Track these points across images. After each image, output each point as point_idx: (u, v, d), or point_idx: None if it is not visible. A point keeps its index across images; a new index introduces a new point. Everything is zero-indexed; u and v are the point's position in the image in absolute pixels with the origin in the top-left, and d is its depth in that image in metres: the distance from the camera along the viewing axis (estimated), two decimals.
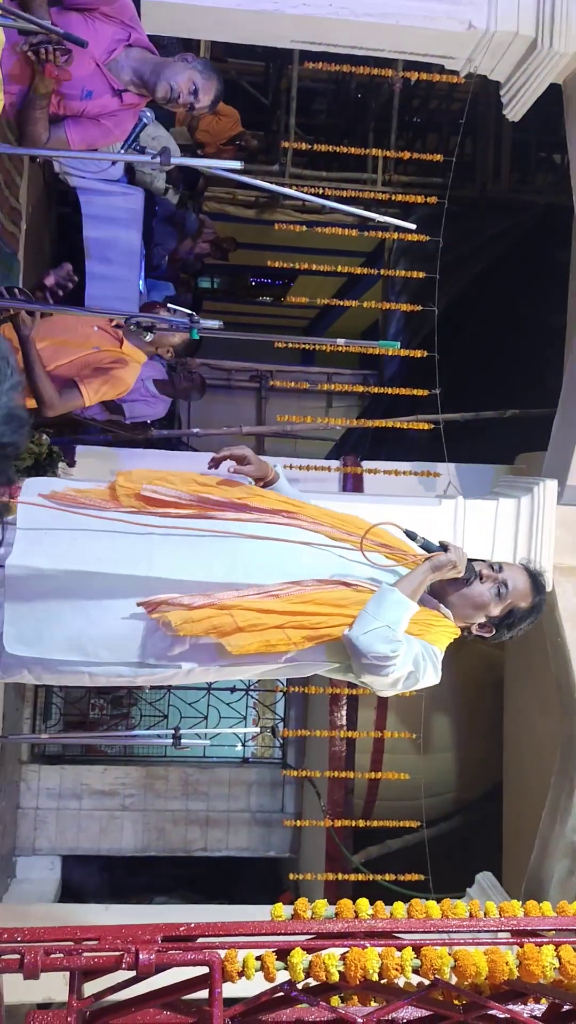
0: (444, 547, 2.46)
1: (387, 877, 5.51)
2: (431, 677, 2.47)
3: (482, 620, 2.58)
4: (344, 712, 6.02)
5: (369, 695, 5.95)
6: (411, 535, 2.54)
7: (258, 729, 7.35)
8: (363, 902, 2.33)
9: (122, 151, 3.30)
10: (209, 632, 2.29)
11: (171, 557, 2.39)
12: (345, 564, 2.46)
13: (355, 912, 2.32)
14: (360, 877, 5.76)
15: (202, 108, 3.27)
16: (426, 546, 2.49)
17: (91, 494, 2.48)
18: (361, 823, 6.00)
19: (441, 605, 2.57)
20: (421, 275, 5.67)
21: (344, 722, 6.04)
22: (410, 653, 2.38)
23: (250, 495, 2.56)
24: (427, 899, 2.44)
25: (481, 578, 2.54)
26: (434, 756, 6.47)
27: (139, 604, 2.29)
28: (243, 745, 7.62)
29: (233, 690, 7.49)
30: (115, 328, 3.47)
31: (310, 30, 4.71)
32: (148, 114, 3.20)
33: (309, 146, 6.18)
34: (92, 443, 5.51)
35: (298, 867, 6.79)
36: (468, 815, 7.13)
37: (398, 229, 3.89)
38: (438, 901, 2.39)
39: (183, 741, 4.41)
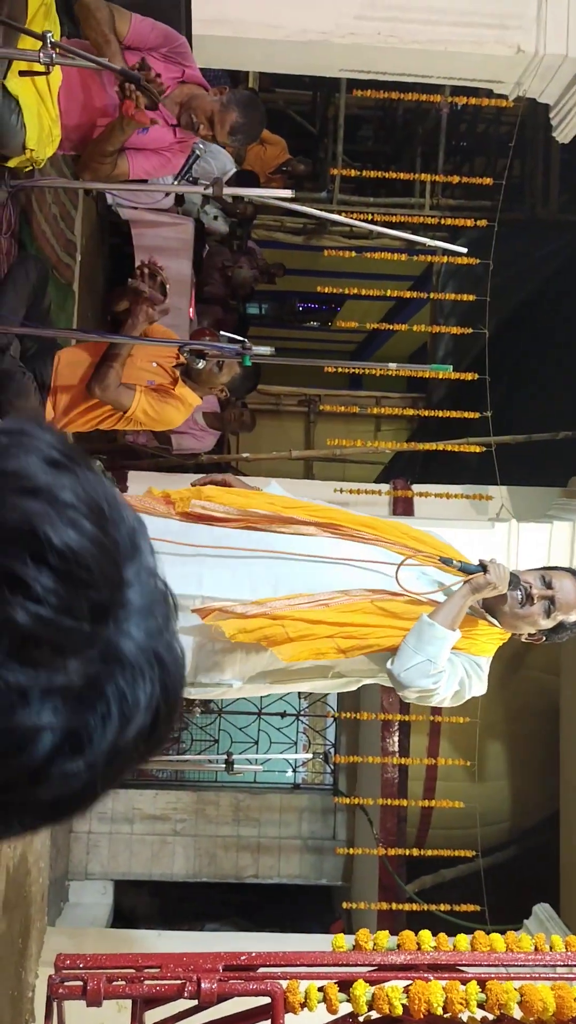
0: (484, 567, 2.42)
1: (442, 907, 5.41)
2: (478, 688, 2.48)
3: (531, 631, 2.54)
4: (396, 738, 5.96)
5: (422, 721, 5.89)
6: (446, 561, 2.52)
7: (311, 755, 7.30)
8: (426, 934, 2.30)
9: (175, 182, 3.37)
10: (260, 641, 2.32)
11: (220, 576, 2.44)
12: (386, 579, 2.46)
13: (418, 944, 2.29)
14: (414, 907, 5.67)
15: (223, 137, 3.32)
16: (465, 569, 2.46)
17: (149, 499, 2.58)
18: (415, 852, 5.92)
19: (487, 616, 2.54)
20: (471, 298, 5.66)
21: (396, 748, 5.98)
22: (454, 676, 2.39)
23: (299, 508, 2.59)
24: (485, 930, 2.39)
25: (531, 599, 2.48)
26: (488, 784, 6.36)
27: (194, 611, 2.34)
28: (294, 771, 7.57)
29: (283, 715, 7.45)
30: (172, 368, 3.50)
31: (359, 59, 4.76)
32: (201, 146, 3.26)
33: (358, 173, 6.22)
34: (143, 468, 5.59)
35: (351, 896, 6.71)
36: (524, 844, 6.99)
37: (447, 252, 3.90)
38: (493, 933, 2.35)
39: (235, 766, 4.41)
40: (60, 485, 0.61)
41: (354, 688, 2.70)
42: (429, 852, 5.86)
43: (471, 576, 2.41)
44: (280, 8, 4.51)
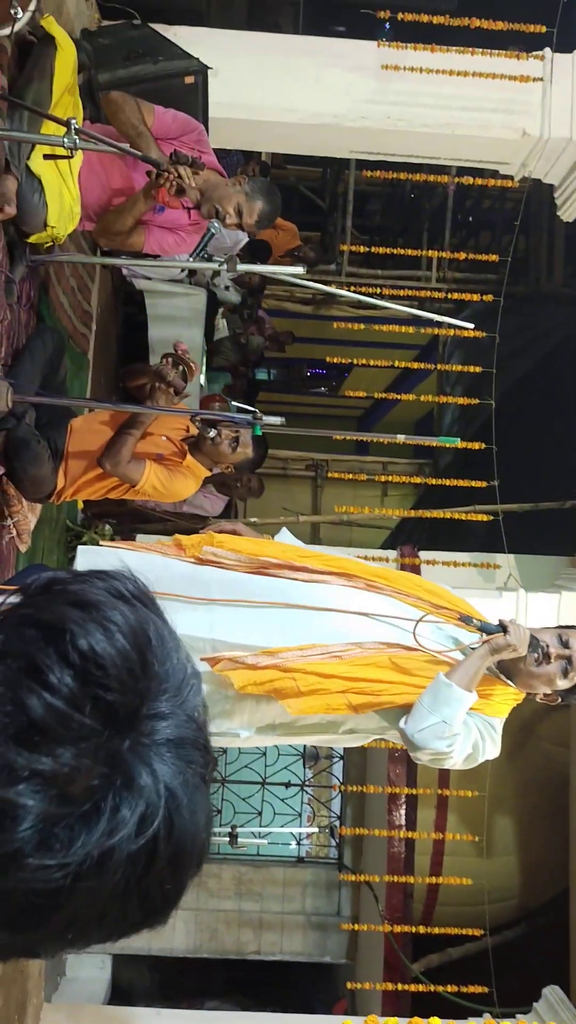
0: (504, 627, 2.38)
1: (449, 988, 5.25)
2: (491, 751, 2.42)
3: (547, 691, 2.50)
4: (403, 811, 5.85)
5: (429, 794, 5.79)
6: (466, 620, 2.48)
7: (316, 829, 7.16)
8: (435, 1022, 2.23)
9: (191, 258, 3.46)
10: (270, 694, 2.28)
11: (232, 622, 2.41)
12: (401, 633, 2.43)
13: None
14: (420, 988, 5.50)
15: (249, 227, 3.44)
16: (484, 628, 2.41)
17: (160, 544, 2.58)
18: (421, 929, 5.76)
19: (502, 676, 2.50)
20: (478, 369, 5.74)
21: (403, 822, 5.87)
22: (468, 739, 2.33)
23: (312, 557, 2.58)
24: (494, 1015, 2.32)
25: (548, 658, 2.43)
26: (497, 860, 6.23)
27: (203, 659, 2.30)
28: (298, 844, 7.42)
29: (288, 785, 7.34)
30: (181, 442, 3.54)
31: (368, 141, 4.91)
32: (216, 225, 3.36)
33: (366, 248, 6.36)
34: (152, 533, 5.61)
35: (355, 974, 6.52)
36: (533, 923, 6.81)
37: (455, 327, 3.98)
38: (503, 1020, 2.27)
39: (239, 840, 4.34)
40: (111, 605, 0.65)
41: (363, 743, 2.65)
42: (436, 930, 5.71)
43: (491, 636, 2.36)
44: (293, 93, 4.67)
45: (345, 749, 7.14)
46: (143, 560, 2.57)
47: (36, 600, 0.67)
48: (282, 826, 7.02)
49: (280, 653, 2.32)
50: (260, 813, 7.27)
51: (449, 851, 6.11)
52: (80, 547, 2.74)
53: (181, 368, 3.42)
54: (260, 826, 7.05)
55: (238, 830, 4.10)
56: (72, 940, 0.65)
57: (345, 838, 7.21)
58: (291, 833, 7.16)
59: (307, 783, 7.48)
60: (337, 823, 7.35)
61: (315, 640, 2.38)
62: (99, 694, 0.61)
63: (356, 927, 6.47)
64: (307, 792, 7.49)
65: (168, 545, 2.64)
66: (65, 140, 2.59)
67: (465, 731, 2.30)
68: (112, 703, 0.62)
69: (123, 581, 0.69)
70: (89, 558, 2.62)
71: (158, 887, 0.65)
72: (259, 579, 2.51)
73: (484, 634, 2.39)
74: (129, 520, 5.82)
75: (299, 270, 3.49)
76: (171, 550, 2.60)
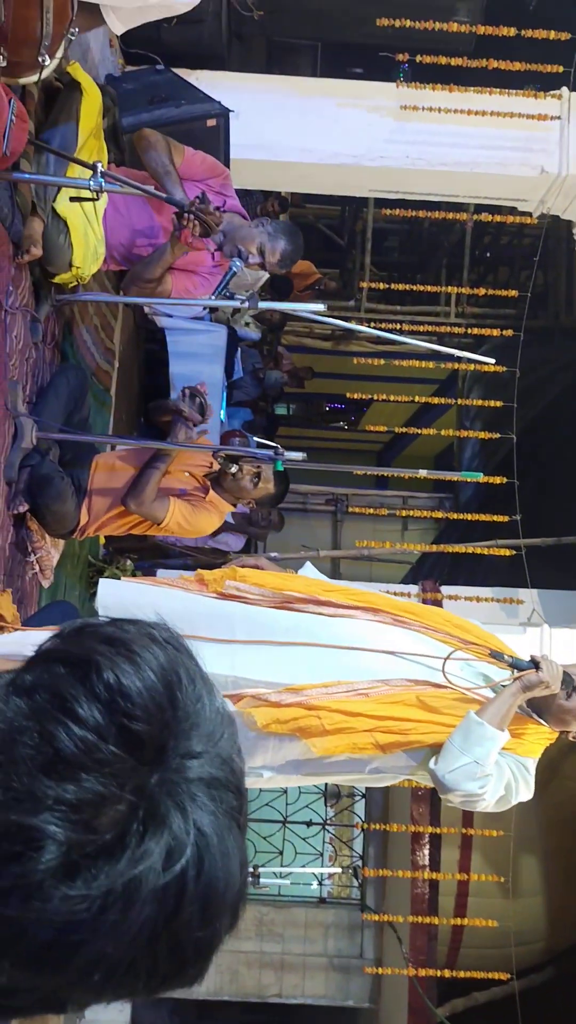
0: (535, 663, 2.32)
1: None
2: (524, 793, 2.35)
3: None
4: (427, 851, 5.75)
5: (453, 834, 5.70)
6: (497, 656, 2.42)
7: (339, 869, 7.04)
8: None
9: (213, 296, 3.50)
10: (294, 732, 2.23)
11: (254, 658, 2.36)
12: (430, 671, 2.38)
13: None
14: None
15: (272, 266, 3.49)
16: (516, 665, 2.35)
17: (181, 580, 2.55)
18: (446, 973, 5.65)
19: (534, 715, 2.44)
20: (498, 404, 5.75)
21: (427, 862, 5.76)
22: (501, 780, 2.26)
23: (337, 591, 2.55)
24: None
25: None
26: (522, 901, 6.10)
27: (225, 696, 2.26)
28: (320, 884, 7.30)
29: (309, 824, 7.24)
30: (204, 477, 3.56)
31: (388, 180, 4.97)
32: (238, 263, 3.39)
33: (385, 285, 6.41)
34: (173, 568, 5.61)
35: (378, 1019, 6.38)
36: (560, 966, 6.65)
37: (475, 362, 3.98)
38: None
39: (261, 880, 4.28)
40: (142, 644, 0.66)
41: (391, 783, 2.59)
42: (461, 973, 5.59)
43: (523, 672, 2.29)
44: (313, 133, 4.74)
45: (367, 787, 7.05)
46: (164, 594, 2.55)
47: (67, 639, 0.67)
48: (303, 866, 6.91)
49: (304, 690, 2.28)
50: (281, 852, 7.16)
51: (474, 892, 5.99)
52: (101, 580, 2.74)
53: (198, 401, 3.44)
54: (281, 865, 6.96)
55: (260, 870, 4.04)
56: (99, 986, 0.63)
57: (368, 879, 7.09)
58: (313, 873, 7.05)
59: (329, 822, 7.37)
60: (359, 863, 7.23)
61: (341, 677, 2.33)
62: (125, 723, 0.61)
63: (380, 971, 6.35)
64: (329, 831, 7.39)
65: (190, 580, 2.61)
66: (91, 183, 2.64)
67: (497, 772, 2.24)
68: (139, 733, 0.61)
69: (156, 628, 0.69)
70: (110, 590, 2.61)
71: (188, 933, 0.63)
72: (284, 615, 2.46)
73: (516, 670, 2.33)
74: (150, 555, 5.84)
75: (320, 307, 3.52)
76: (193, 585, 2.58)
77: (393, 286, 6.11)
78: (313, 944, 7.04)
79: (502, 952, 5.60)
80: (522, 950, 5.78)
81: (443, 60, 4.65)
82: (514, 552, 5.38)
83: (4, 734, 0.61)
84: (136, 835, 0.60)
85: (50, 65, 2.61)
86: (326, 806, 7.25)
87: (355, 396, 6.22)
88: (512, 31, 4.58)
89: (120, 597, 2.51)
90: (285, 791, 7.14)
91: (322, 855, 7.28)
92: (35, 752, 0.60)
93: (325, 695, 2.27)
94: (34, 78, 2.69)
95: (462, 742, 2.21)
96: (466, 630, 2.50)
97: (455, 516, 6.29)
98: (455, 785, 2.19)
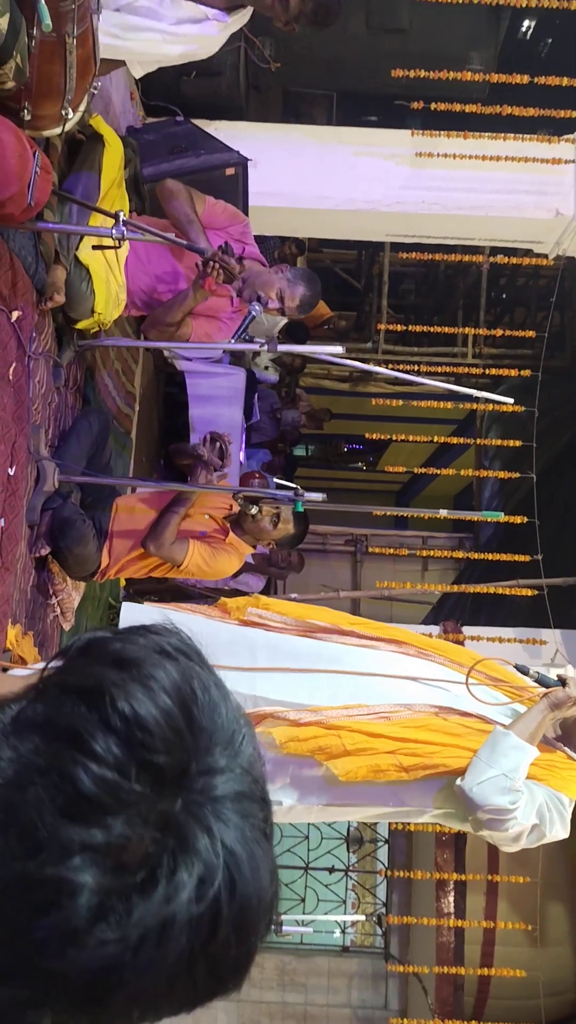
0: (563, 681, 2.30)
1: None
2: (560, 830, 2.27)
3: None
4: (451, 899, 5.63)
5: (479, 880, 5.58)
6: (522, 669, 2.39)
7: (362, 917, 6.90)
8: None
9: (232, 340, 3.55)
10: (315, 753, 2.18)
11: (275, 683, 2.34)
12: (454, 698, 2.35)
13: None
14: None
15: (291, 311, 3.54)
16: (542, 680, 2.33)
17: (203, 608, 2.54)
18: None
19: (566, 747, 2.39)
20: (517, 444, 5.75)
21: (452, 909, 5.64)
22: (532, 803, 2.20)
23: (361, 624, 2.53)
24: None
25: None
26: (551, 950, 5.95)
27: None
28: (343, 931, 7.15)
29: (332, 870, 7.12)
30: (224, 519, 3.58)
31: (404, 225, 5.04)
32: (257, 308, 3.44)
33: (404, 327, 6.46)
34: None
35: None
36: None
37: (493, 402, 4.00)
38: None
39: (284, 928, 4.21)
40: (152, 662, 0.64)
41: (416, 820, 2.53)
42: None
43: (550, 689, 2.27)
44: (330, 181, 4.83)
45: (390, 833, 6.94)
46: (186, 619, 2.55)
47: (75, 663, 0.65)
48: (326, 913, 6.78)
49: (324, 711, 2.24)
50: (303, 899, 7.04)
51: (500, 940, 5.85)
52: (124, 604, 2.74)
53: (218, 446, 3.46)
54: (303, 913, 6.83)
55: (282, 917, 3.97)
56: (141, 1016, 0.63)
57: (392, 927, 6.95)
58: (335, 921, 6.92)
59: (351, 868, 7.25)
60: (383, 910, 7.09)
61: (363, 701, 2.30)
62: (145, 757, 0.60)
63: (405, 1023, 6.19)
64: (351, 878, 7.26)
65: (213, 609, 2.61)
66: (113, 231, 2.69)
67: (529, 794, 2.19)
68: (159, 765, 0.60)
69: (165, 635, 0.67)
70: (133, 613, 2.61)
71: (225, 953, 0.63)
72: (306, 642, 2.45)
73: (542, 686, 2.30)
74: (171, 597, 5.84)
75: (339, 349, 3.56)
76: (216, 612, 2.58)
77: (410, 328, 6.15)
78: (337, 994, 6.88)
79: (531, 1003, 5.45)
80: (551, 1001, 5.63)
81: (457, 107, 4.73)
82: (536, 592, 5.34)
83: (20, 776, 0.59)
84: (167, 870, 0.59)
85: (73, 118, 2.68)
86: (348, 852, 7.13)
87: (374, 437, 6.24)
88: (525, 78, 4.66)
89: (142, 621, 2.51)
90: (306, 836, 7.03)
91: (345, 902, 7.14)
92: (55, 793, 0.58)
93: (346, 716, 2.23)
94: (57, 131, 2.76)
95: (489, 755, 2.16)
96: (492, 668, 2.48)
97: (475, 556, 6.26)
98: (483, 799, 2.12)
